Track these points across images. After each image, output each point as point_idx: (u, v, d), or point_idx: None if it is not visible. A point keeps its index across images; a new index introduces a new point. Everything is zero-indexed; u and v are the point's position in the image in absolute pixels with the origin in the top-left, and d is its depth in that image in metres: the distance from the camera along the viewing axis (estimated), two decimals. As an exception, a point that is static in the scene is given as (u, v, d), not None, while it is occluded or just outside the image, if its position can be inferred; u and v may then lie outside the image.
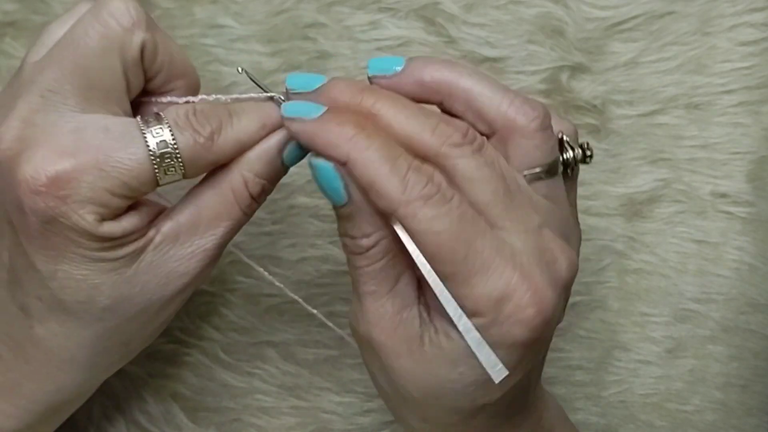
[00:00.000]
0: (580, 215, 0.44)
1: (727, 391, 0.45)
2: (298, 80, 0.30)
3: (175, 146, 0.29)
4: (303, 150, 0.31)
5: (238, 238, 0.43)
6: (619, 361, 0.45)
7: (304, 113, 0.28)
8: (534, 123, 0.29)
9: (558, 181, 0.31)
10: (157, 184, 0.29)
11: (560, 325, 0.44)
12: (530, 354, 0.28)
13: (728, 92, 0.43)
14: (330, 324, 0.43)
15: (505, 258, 0.27)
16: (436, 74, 0.30)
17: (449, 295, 0.27)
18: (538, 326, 0.27)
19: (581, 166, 0.44)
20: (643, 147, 0.44)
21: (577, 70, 0.44)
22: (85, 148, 0.28)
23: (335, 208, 0.29)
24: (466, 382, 0.29)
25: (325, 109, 0.28)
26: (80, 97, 0.29)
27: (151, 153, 0.28)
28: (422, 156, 0.28)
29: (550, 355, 0.44)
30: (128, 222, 0.29)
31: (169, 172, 0.29)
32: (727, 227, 0.44)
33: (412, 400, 0.30)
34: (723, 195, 0.44)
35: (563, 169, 0.32)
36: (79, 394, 0.34)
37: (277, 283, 0.40)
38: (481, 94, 0.29)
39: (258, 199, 0.32)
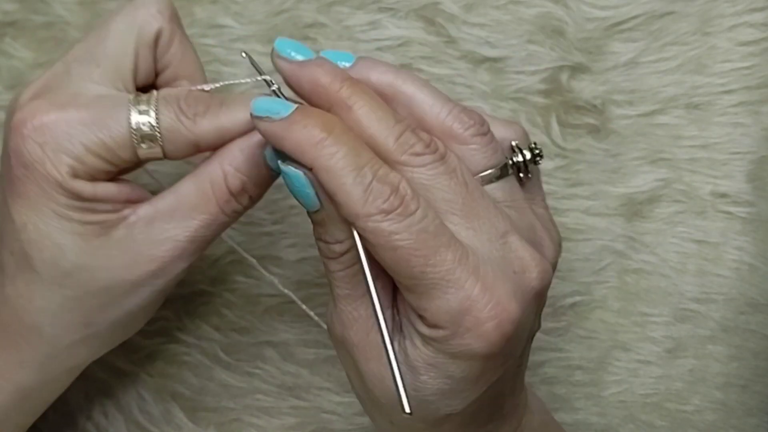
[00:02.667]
0: (580, 215, 0.44)
1: (727, 391, 0.45)
2: (286, 45, 0.29)
3: (157, 120, 0.30)
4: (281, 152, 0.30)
5: (238, 238, 0.43)
6: (619, 361, 0.45)
7: (273, 111, 0.27)
8: (470, 130, 0.29)
9: (513, 186, 0.31)
10: (137, 157, 0.30)
11: (560, 325, 0.44)
12: (492, 366, 0.28)
13: (728, 92, 0.43)
14: (323, 324, 0.43)
15: (467, 270, 0.27)
16: (382, 77, 0.30)
17: (381, 314, 0.27)
18: (498, 340, 0.27)
19: (581, 166, 0.44)
20: (643, 147, 0.44)
21: (577, 70, 0.44)
22: (77, 106, 0.30)
23: (308, 213, 0.29)
24: (427, 392, 0.28)
25: (294, 107, 0.27)
26: (94, 67, 0.31)
27: (133, 123, 0.30)
28: (384, 161, 0.28)
29: (550, 355, 0.44)
30: (102, 188, 0.30)
31: (146, 143, 0.30)
32: (727, 227, 0.44)
33: (380, 404, 0.30)
34: (723, 195, 0.44)
35: (516, 173, 0.31)
36: (44, 380, 0.34)
37: (270, 276, 0.40)
38: (422, 102, 0.30)
39: (238, 197, 0.31)
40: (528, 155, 0.31)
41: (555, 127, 0.44)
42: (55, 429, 0.44)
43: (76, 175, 0.30)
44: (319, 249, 0.30)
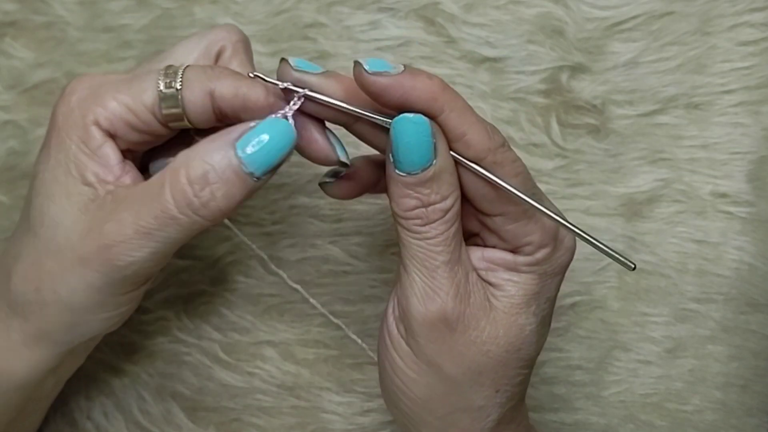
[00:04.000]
0: (580, 215, 0.44)
1: (727, 391, 0.45)
2: (300, 63, 0.31)
3: (182, 73, 0.31)
4: (270, 150, 0.30)
5: (238, 238, 0.43)
6: (619, 361, 0.45)
7: (388, 67, 0.29)
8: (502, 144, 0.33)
9: None
10: (160, 110, 0.31)
11: (560, 325, 0.44)
12: (560, 283, 0.34)
13: (728, 92, 0.43)
14: (331, 316, 0.43)
15: (545, 198, 0.32)
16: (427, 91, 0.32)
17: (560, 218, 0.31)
18: (573, 252, 0.33)
19: (581, 166, 0.44)
20: (643, 147, 0.44)
21: (577, 70, 0.44)
22: (117, 75, 0.32)
23: (408, 175, 0.29)
24: (538, 318, 0.32)
25: (402, 66, 0.29)
26: (155, 63, 0.33)
27: (160, 77, 0.31)
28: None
29: (550, 355, 0.44)
30: (109, 147, 0.31)
31: (167, 88, 0.31)
32: (727, 227, 0.44)
33: (492, 367, 0.31)
34: (723, 195, 0.44)
35: None
36: (8, 356, 0.34)
37: (278, 271, 0.41)
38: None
39: (198, 192, 0.30)
40: None
41: (555, 127, 0.44)
42: (55, 429, 0.44)
43: (96, 123, 0.31)
44: (416, 220, 0.30)
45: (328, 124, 0.33)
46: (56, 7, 0.44)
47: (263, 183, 0.31)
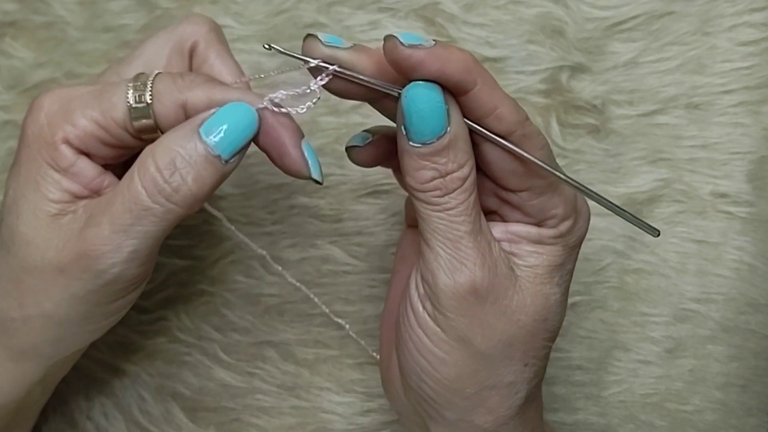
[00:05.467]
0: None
1: (727, 391, 0.45)
2: (327, 37, 0.30)
3: (152, 83, 0.31)
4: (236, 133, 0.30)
5: (238, 238, 0.43)
6: (619, 361, 0.45)
7: (422, 40, 0.28)
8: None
9: None
10: (131, 122, 0.31)
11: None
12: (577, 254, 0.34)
13: (728, 92, 0.43)
14: (332, 315, 0.43)
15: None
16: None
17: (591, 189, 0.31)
18: (589, 221, 0.33)
19: (581, 166, 0.44)
20: (643, 147, 0.44)
21: (577, 70, 0.44)
22: (86, 86, 0.32)
23: (423, 146, 0.29)
24: (562, 289, 0.32)
25: (433, 40, 0.29)
26: (125, 66, 0.34)
27: (129, 88, 0.31)
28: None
29: (550, 354, 0.44)
30: (82, 163, 0.31)
31: (137, 101, 0.31)
32: (727, 227, 0.44)
33: (521, 337, 0.31)
34: (723, 195, 0.44)
35: None
36: None
37: (291, 279, 0.40)
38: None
39: (168, 179, 0.29)
40: None
41: (555, 127, 0.44)
42: (55, 429, 0.44)
43: (67, 141, 0.31)
44: (435, 192, 0.29)
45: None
46: (56, 7, 0.44)
47: (233, 166, 0.31)
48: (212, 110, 0.30)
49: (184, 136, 0.30)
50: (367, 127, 0.35)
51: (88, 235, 0.30)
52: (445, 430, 0.33)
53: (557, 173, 0.30)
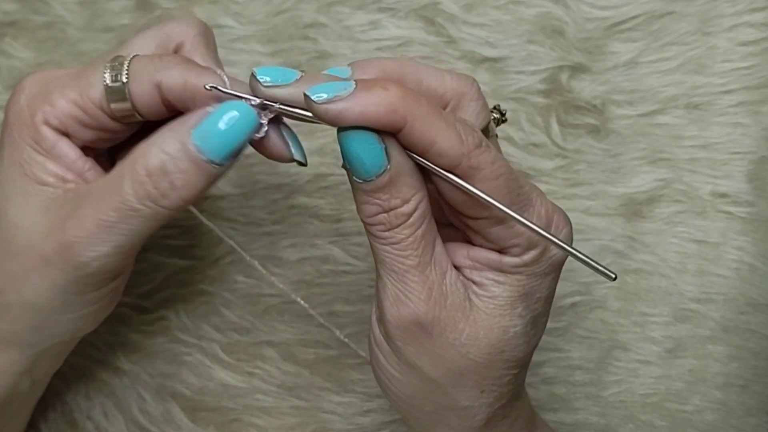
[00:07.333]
0: (580, 215, 0.44)
1: (727, 391, 0.44)
2: (271, 73, 0.29)
3: (129, 64, 0.30)
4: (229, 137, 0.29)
5: (238, 238, 0.43)
6: (619, 361, 0.44)
7: (337, 90, 0.27)
8: (473, 87, 0.31)
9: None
10: (107, 103, 0.30)
11: (560, 325, 0.44)
12: (557, 278, 0.32)
13: (728, 92, 0.43)
14: (328, 324, 0.43)
15: (535, 190, 0.30)
16: (387, 66, 0.30)
17: (528, 224, 0.29)
18: (570, 242, 0.31)
19: (581, 166, 0.44)
20: (643, 147, 0.44)
21: (577, 70, 0.44)
22: (66, 70, 0.32)
23: (364, 182, 0.28)
24: (526, 320, 0.30)
25: (351, 82, 0.27)
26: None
27: (107, 68, 0.30)
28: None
29: (550, 355, 0.44)
30: (63, 145, 0.31)
31: (114, 81, 0.30)
32: (727, 227, 0.44)
33: (473, 368, 0.30)
34: (723, 195, 0.44)
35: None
36: None
37: (279, 284, 0.40)
38: (426, 74, 0.30)
39: (156, 182, 0.29)
40: (497, 115, 0.33)
41: (555, 127, 0.44)
42: (55, 429, 0.44)
43: (46, 122, 0.31)
44: (378, 225, 0.29)
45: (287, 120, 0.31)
46: (56, 7, 0.44)
47: (226, 169, 0.30)
48: (207, 109, 0.29)
49: (175, 138, 0.29)
50: None
51: (71, 226, 0.30)
52: None
53: (502, 207, 0.28)
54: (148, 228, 0.30)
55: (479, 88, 0.31)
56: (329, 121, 0.27)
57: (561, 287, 0.44)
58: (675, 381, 0.44)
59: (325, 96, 0.27)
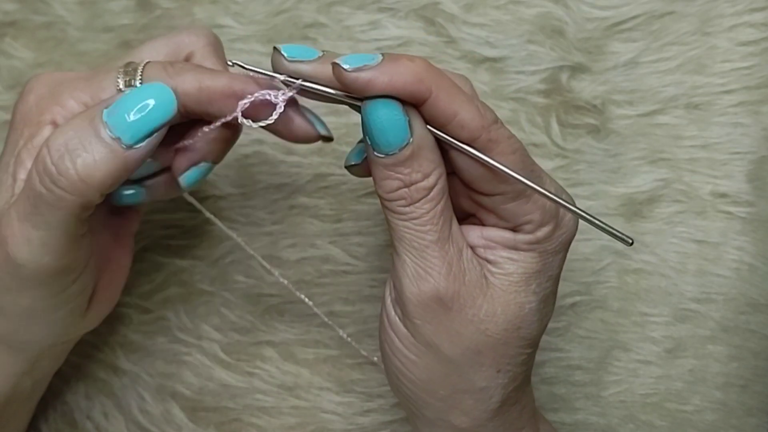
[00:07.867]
0: (580, 215, 0.44)
1: (727, 391, 0.45)
2: (294, 49, 0.29)
3: (142, 71, 0.31)
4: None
5: (238, 238, 0.43)
6: (619, 361, 0.44)
7: (367, 60, 0.28)
8: (467, 86, 0.32)
9: None
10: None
11: (560, 325, 0.44)
12: (564, 259, 0.32)
13: (728, 92, 0.43)
14: (332, 324, 0.43)
15: (544, 172, 0.31)
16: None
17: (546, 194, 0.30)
18: (575, 230, 0.32)
19: (581, 166, 0.44)
20: (643, 147, 0.44)
21: (577, 70, 0.44)
22: (77, 73, 0.32)
23: (386, 156, 0.28)
24: (539, 297, 0.31)
25: (378, 55, 0.28)
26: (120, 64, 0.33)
27: (120, 73, 0.31)
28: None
29: (550, 355, 0.44)
30: None
31: (126, 87, 0.30)
32: (727, 227, 0.44)
33: (491, 346, 0.31)
34: (723, 195, 0.44)
35: None
36: None
37: (282, 279, 0.40)
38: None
39: (55, 161, 0.28)
40: None
41: (555, 127, 0.44)
42: (55, 429, 0.44)
43: (54, 123, 0.31)
44: (399, 201, 0.29)
45: (302, 101, 0.32)
46: (56, 7, 0.44)
47: (142, 154, 0.28)
48: (126, 91, 0.29)
49: (84, 117, 0.28)
50: None
51: (3, 225, 0.29)
52: (426, 428, 0.33)
53: (522, 179, 0.29)
54: (60, 219, 0.28)
55: (472, 87, 0.32)
56: (357, 89, 0.28)
57: (561, 287, 0.44)
58: (675, 381, 0.44)
59: (354, 64, 0.28)
